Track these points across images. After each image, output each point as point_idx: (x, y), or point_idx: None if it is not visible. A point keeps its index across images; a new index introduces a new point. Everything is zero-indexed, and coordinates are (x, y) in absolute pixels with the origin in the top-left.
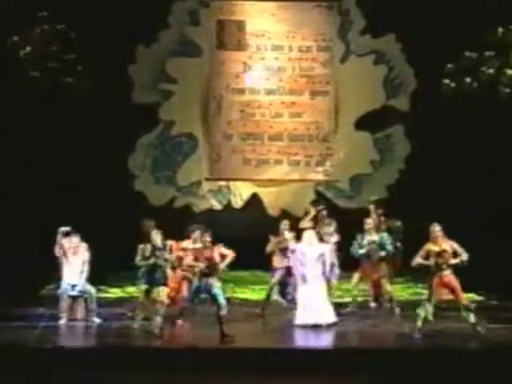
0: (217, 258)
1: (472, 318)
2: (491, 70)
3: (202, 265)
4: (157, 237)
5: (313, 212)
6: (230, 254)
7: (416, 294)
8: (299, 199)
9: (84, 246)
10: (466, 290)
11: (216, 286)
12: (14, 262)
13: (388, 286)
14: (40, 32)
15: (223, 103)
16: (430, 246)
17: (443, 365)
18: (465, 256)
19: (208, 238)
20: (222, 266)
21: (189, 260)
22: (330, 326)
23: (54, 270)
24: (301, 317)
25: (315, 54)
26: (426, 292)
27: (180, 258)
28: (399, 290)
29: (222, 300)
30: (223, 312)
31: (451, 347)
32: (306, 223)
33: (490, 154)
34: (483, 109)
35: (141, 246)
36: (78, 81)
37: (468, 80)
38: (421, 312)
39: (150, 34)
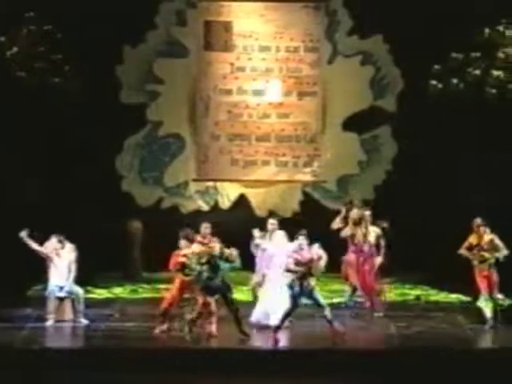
0: (315, 258)
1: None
2: (478, 71)
3: (302, 269)
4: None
5: (343, 212)
6: (324, 255)
7: (403, 295)
8: (287, 200)
9: (71, 246)
10: (452, 291)
11: (314, 287)
12: (0, 263)
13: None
14: (27, 32)
15: (210, 104)
16: (471, 239)
17: (430, 365)
18: (503, 253)
19: (304, 241)
20: (320, 267)
21: (290, 265)
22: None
23: (41, 271)
24: (257, 315)
25: (303, 55)
26: (413, 293)
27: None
28: (386, 291)
29: (322, 301)
30: (327, 312)
31: (437, 348)
32: (337, 224)
33: (477, 154)
34: (470, 110)
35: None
36: (65, 81)
37: (455, 81)
38: (481, 304)
39: (136, 35)
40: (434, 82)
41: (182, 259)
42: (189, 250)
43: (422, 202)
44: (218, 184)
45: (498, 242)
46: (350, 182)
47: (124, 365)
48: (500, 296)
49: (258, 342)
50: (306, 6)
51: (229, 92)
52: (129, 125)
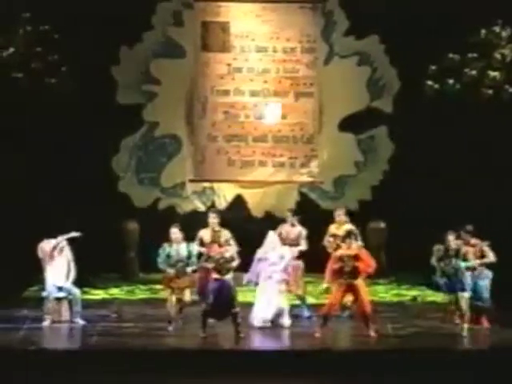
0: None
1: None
2: (474, 72)
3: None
4: (452, 241)
5: None
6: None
7: (400, 296)
8: (283, 201)
9: (67, 247)
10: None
11: None
12: None
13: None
14: (23, 33)
15: (208, 104)
16: (332, 228)
17: (427, 366)
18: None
19: (472, 240)
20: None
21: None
22: (283, 328)
23: (36, 272)
24: (257, 317)
25: (299, 56)
26: (410, 293)
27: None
28: (382, 292)
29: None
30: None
31: (435, 348)
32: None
33: (473, 154)
34: (466, 110)
35: (436, 247)
36: (62, 82)
37: (451, 81)
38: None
39: (133, 35)
40: (430, 83)
41: (338, 265)
42: (345, 252)
43: (419, 202)
44: (215, 185)
45: (356, 232)
46: (347, 182)
47: (121, 365)
48: None
49: (258, 342)
50: (302, 7)
51: (226, 93)
52: (125, 125)
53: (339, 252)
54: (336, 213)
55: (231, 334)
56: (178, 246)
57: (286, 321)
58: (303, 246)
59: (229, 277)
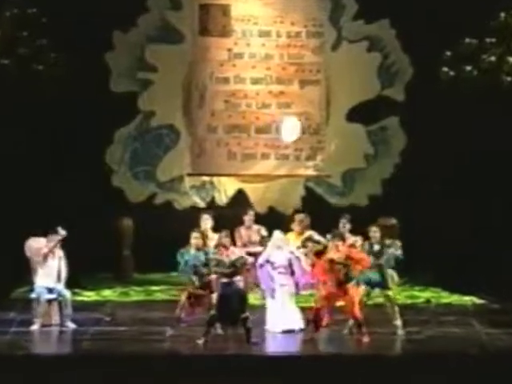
0: None
1: None
2: (492, 58)
3: None
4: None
5: None
6: None
7: (412, 298)
8: (288, 196)
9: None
10: (467, 292)
11: None
12: None
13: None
14: (9, 16)
15: (207, 93)
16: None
17: (442, 371)
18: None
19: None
20: None
21: None
22: (300, 331)
23: (24, 272)
24: (270, 323)
25: (305, 41)
26: (423, 295)
27: None
28: (395, 293)
29: None
30: None
31: (450, 353)
32: None
33: (491, 145)
34: (484, 98)
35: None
36: (51, 69)
37: (468, 68)
38: None
39: (127, 19)
40: (445, 70)
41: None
42: (335, 255)
43: (433, 197)
44: (215, 179)
45: (317, 237)
46: (356, 176)
47: (114, 371)
48: None
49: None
50: None
51: (226, 80)
52: (119, 115)
53: (328, 256)
54: (297, 218)
55: (228, 337)
56: (196, 253)
57: (299, 324)
58: None
59: (238, 279)
